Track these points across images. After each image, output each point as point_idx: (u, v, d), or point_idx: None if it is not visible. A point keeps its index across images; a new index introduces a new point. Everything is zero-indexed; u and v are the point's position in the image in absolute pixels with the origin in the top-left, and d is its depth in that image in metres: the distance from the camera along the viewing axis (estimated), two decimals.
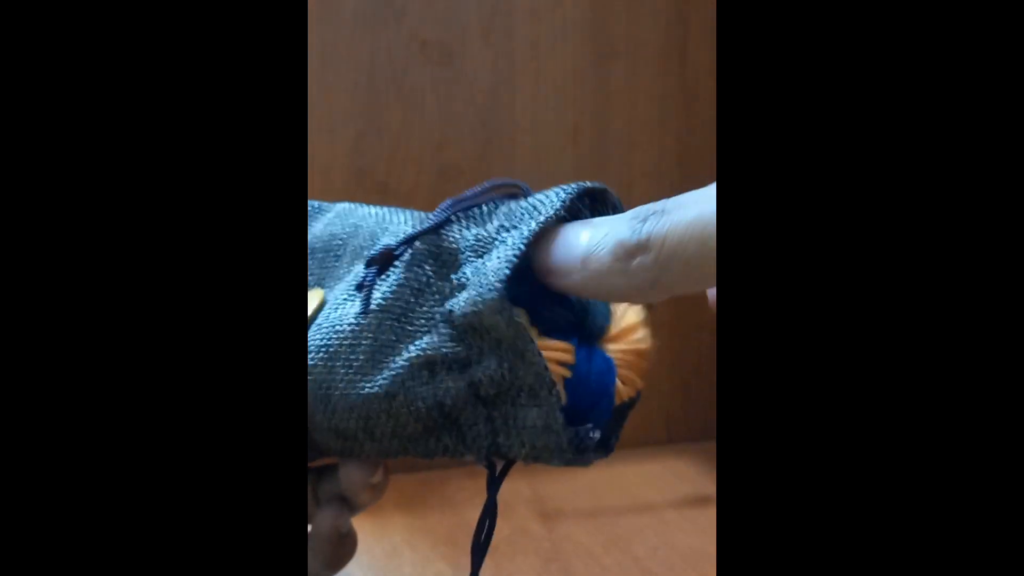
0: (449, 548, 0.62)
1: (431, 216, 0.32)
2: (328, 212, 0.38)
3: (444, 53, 0.74)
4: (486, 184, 0.32)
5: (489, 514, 0.34)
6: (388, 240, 0.33)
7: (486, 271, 0.29)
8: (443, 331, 0.30)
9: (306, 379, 0.32)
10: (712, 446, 0.80)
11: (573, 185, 0.31)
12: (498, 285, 0.28)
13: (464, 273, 0.30)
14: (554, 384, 0.29)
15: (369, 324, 0.31)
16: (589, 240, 0.28)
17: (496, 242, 0.30)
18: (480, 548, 0.35)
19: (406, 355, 0.30)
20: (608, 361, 0.31)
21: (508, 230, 0.30)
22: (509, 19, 0.76)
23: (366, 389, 0.31)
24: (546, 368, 0.29)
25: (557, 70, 0.78)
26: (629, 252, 0.27)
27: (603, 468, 0.78)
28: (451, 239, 0.31)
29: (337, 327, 0.32)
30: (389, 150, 0.74)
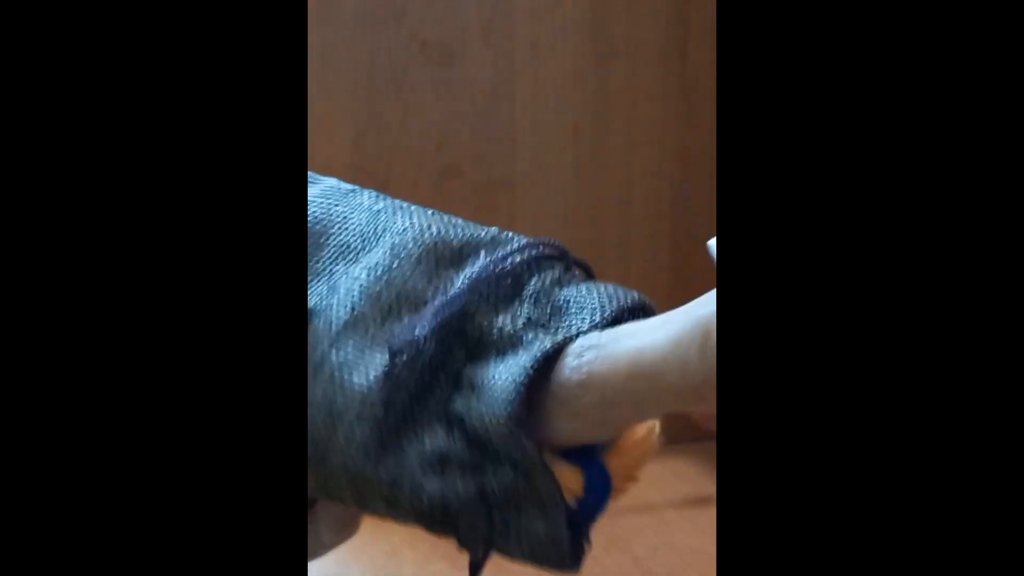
0: (449, 548, 0.62)
1: (461, 279, 0.30)
2: (314, 186, 0.35)
3: (444, 53, 0.75)
4: (526, 244, 0.30)
5: None
6: (411, 317, 0.30)
7: (498, 388, 0.28)
8: (457, 433, 0.29)
9: (306, 374, 0.31)
10: (712, 446, 0.80)
11: (615, 297, 0.29)
12: (506, 410, 0.27)
13: (482, 374, 0.29)
14: (564, 502, 0.29)
15: (380, 396, 0.29)
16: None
17: (520, 343, 0.29)
18: None
19: (418, 447, 0.29)
20: (607, 481, 0.30)
21: (535, 329, 0.29)
22: (509, 19, 0.76)
23: (368, 471, 0.30)
24: (557, 487, 0.28)
25: (557, 70, 0.78)
26: (573, 393, 0.27)
27: None
28: (478, 321, 0.30)
29: (345, 386, 0.30)
30: (389, 150, 0.74)
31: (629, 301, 0.30)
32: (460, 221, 0.33)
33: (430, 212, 0.33)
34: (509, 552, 0.30)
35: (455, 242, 0.31)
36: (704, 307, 0.25)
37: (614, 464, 0.31)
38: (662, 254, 0.80)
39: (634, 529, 0.64)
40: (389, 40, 0.73)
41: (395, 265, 0.31)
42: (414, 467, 0.29)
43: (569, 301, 0.30)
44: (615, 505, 0.73)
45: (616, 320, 0.29)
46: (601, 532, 0.64)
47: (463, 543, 0.31)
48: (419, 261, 0.31)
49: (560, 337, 0.28)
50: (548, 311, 0.30)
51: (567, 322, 0.29)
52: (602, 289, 0.30)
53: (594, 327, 0.29)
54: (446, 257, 0.31)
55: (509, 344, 0.29)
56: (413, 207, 0.33)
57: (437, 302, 0.30)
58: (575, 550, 0.30)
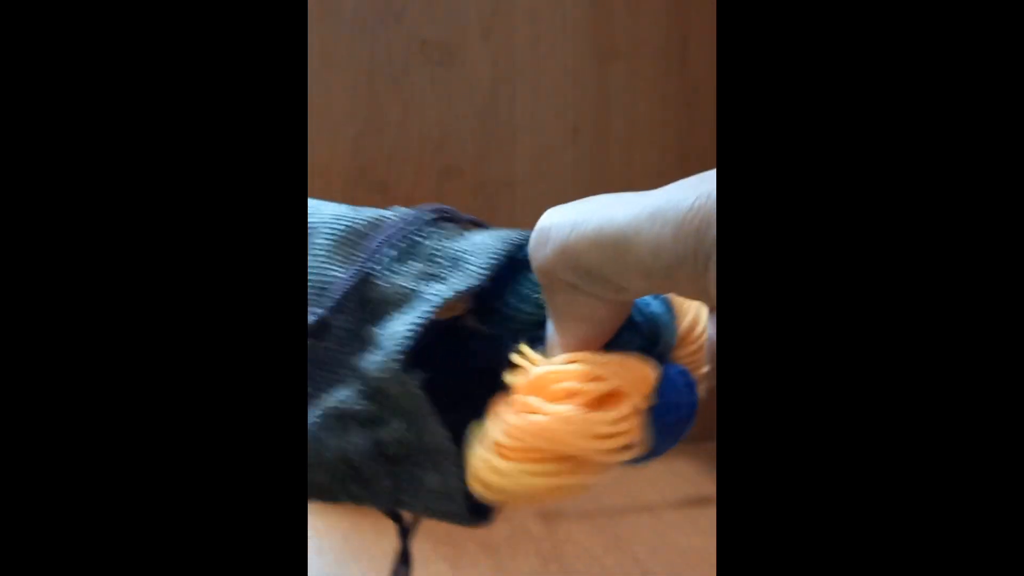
0: (449, 548, 0.62)
1: (358, 252, 0.32)
2: None
3: (444, 53, 0.74)
4: (414, 212, 0.32)
5: (403, 562, 0.35)
6: (322, 294, 0.32)
7: (393, 335, 0.29)
8: (360, 387, 0.30)
9: (306, 376, 0.31)
10: (712, 446, 0.80)
11: (502, 245, 0.31)
12: (398, 355, 0.28)
13: (379, 331, 0.30)
14: (456, 453, 0.29)
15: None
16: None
17: (413, 295, 0.30)
18: None
19: (323, 406, 0.31)
20: (686, 376, 0.30)
21: (427, 281, 0.30)
22: (509, 19, 0.76)
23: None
24: (447, 438, 0.29)
25: (557, 70, 0.78)
26: (551, 267, 0.27)
27: None
28: (379, 285, 0.31)
29: None
30: (389, 150, 0.74)
31: (520, 238, 0.31)
32: (369, 209, 0.34)
33: (340, 205, 0.34)
34: (414, 509, 0.31)
35: (362, 225, 0.33)
36: (685, 190, 0.25)
37: (680, 357, 0.31)
38: None
39: (634, 529, 0.64)
40: (389, 40, 0.73)
41: (312, 263, 0.34)
42: (319, 426, 0.30)
43: (465, 251, 0.31)
44: (615, 506, 0.73)
45: (510, 258, 0.30)
46: (601, 532, 0.64)
47: (374, 500, 0.31)
48: (333, 252, 0.33)
49: (454, 288, 0.29)
50: (444, 265, 0.31)
51: (461, 272, 0.30)
52: (488, 234, 0.31)
53: (485, 271, 0.29)
54: (353, 241, 0.33)
55: (405, 299, 0.30)
56: (322, 202, 0.36)
57: (343, 278, 0.32)
58: (476, 504, 0.30)
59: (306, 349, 0.31)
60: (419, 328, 0.29)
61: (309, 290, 0.32)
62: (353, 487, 0.31)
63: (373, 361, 0.29)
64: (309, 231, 0.34)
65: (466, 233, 0.32)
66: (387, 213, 0.33)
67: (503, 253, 0.30)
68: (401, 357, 0.28)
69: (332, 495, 0.32)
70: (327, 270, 0.32)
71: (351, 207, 0.34)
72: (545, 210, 0.29)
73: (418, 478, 0.30)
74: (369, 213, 0.34)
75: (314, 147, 0.72)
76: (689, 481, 0.74)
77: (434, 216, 0.32)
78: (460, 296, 0.29)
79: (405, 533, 0.34)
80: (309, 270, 0.33)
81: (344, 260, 0.33)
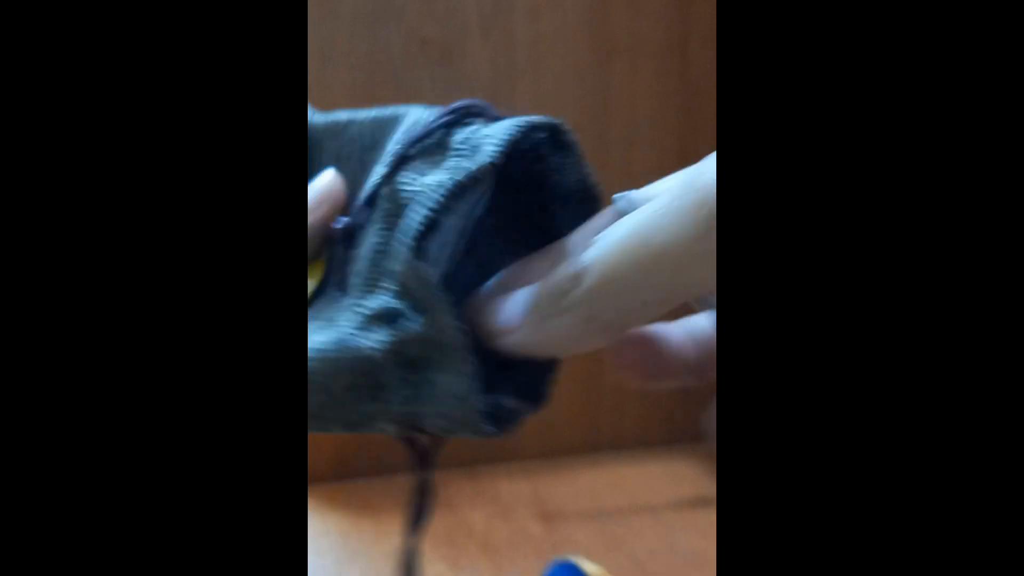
0: (449, 548, 0.62)
1: (390, 151, 0.31)
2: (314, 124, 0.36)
3: (444, 52, 0.74)
4: (442, 110, 0.31)
5: (422, 494, 0.33)
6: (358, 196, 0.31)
7: (408, 226, 0.28)
8: (391, 287, 0.29)
9: (306, 369, 0.31)
10: (712, 446, 0.80)
11: (516, 122, 0.29)
12: (410, 243, 0.27)
13: (403, 220, 0.29)
14: (468, 348, 0.27)
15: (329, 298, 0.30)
16: (534, 291, 0.27)
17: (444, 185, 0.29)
18: (413, 531, 0.34)
19: (360, 311, 0.30)
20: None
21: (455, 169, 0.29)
22: (509, 18, 0.76)
23: (316, 343, 0.30)
24: (460, 330, 0.27)
25: (557, 69, 0.78)
26: (563, 288, 0.26)
27: (603, 469, 0.78)
28: (405, 189, 0.30)
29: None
30: None
31: (539, 120, 0.30)
32: (389, 108, 0.34)
33: (357, 111, 0.34)
34: (428, 422, 0.29)
35: (385, 121, 0.33)
36: (699, 176, 0.24)
37: None
38: None
39: (634, 530, 0.64)
40: (389, 39, 0.73)
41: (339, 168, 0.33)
42: (351, 329, 0.29)
43: (485, 135, 0.30)
44: (615, 506, 0.73)
45: (526, 137, 0.29)
46: (601, 532, 0.64)
47: (390, 414, 0.30)
48: (369, 146, 0.33)
49: (475, 165, 0.28)
50: (465, 152, 0.30)
51: (479, 154, 0.29)
52: (513, 120, 0.30)
53: (501, 147, 0.29)
54: (376, 143, 0.33)
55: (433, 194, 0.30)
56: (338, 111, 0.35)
57: (373, 173, 0.31)
58: (499, 410, 0.29)
59: (305, 342, 0.31)
60: (431, 214, 0.28)
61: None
62: (366, 403, 0.30)
63: (394, 248, 0.29)
64: (333, 134, 0.33)
65: (491, 124, 0.31)
66: (412, 111, 0.32)
67: (522, 128, 0.29)
68: (413, 244, 0.27)
69: (347, 416, 0.30)
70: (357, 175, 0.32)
71: (368, 110, 0.34)
72: None
73: (432, 382, 0.28)
74: (390, 112, 0.33)
75: None
76: (689, 482, 0.74)
77: (460, 114, 0.31)
78: (472, 176, 0.28)
79: (424, 460, 0.32)
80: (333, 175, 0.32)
81: (367, 163, 0.32)
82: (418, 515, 0.33)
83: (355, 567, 0.62)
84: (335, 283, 0.32)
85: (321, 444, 0.71)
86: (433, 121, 0.30)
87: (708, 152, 0.24)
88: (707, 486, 0.73)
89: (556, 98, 0.78)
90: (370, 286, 0.30)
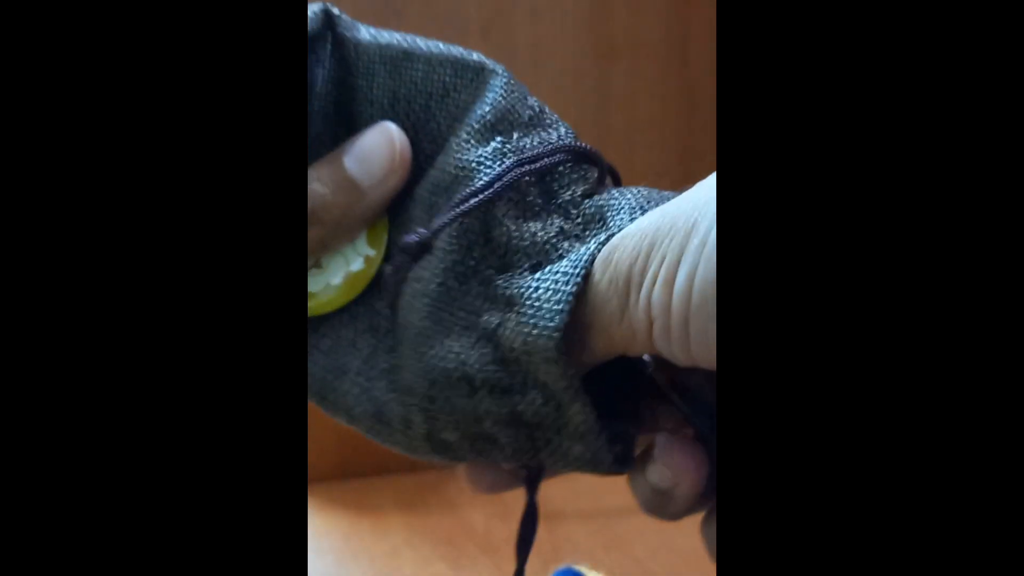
0: (449, 548, 0.62)
1: (483, 172, 0.27)
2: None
3: None
4: (554, 145, 0.28)
5: (530, 516, 0.33)
6: (435, 215, 0.28)
7: (540, 300, 0.25)
8: (485, 349, 0.26)
9: (306, 373, 0.31)
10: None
11: (650, 197, 0.27)
12: (553, 331, 0.25)
13: (515, 284, 0.26)
14: (601, 430, 0.26)
15: (402, 320, 0.28)
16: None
17: (556, 251, 0.27)
18: (523, 547, 0.33)
19: (444, 356, 0.27)
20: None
21: (571, 240, 0.27)
22: (509, 19, 0.76)
23: (406, 377, 0.28)
24: (595, 417, 0.26)
25: (557, 70, 0.78)
26: (606, 296, 0.25)
27: None
28: (504, 226, 0.27)
29: (357, 319, 0.29)
30: None
31: (662, 197, 0.28)
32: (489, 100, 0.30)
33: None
34: (556, 468, 0.28)
35: (490, 122, 0.29)
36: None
37: None
38: None
39: (634, 530, 0.64)
40: None
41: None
42: (443, 383, 0.27)
43: (602, 207, 0.28)
44: (615, 506, 0.73)
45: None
46: (601, 533, 0.64)
47: (509, 459, 0.28)
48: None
49: (598, 241, 0.26)
50: (580, 221, 0.27)
51: (603, 227, 0.27)
52: (635, 191, 0.28)
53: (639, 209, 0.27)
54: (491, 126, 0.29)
55: (543, 253, 0.27)
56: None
57: (457, 195, 0.27)
58: (623, 454, 0.28)
59: (305, 343, 0.31)
60: (573, 299, 0.25)
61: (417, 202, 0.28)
62: (483, 445, 0.28)
63: (512, 326, 0.26)
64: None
65: (608, 187, 0.29)
66: (496, 76, 0.28)
67: (646, 210, 0.27)
68: (558, 335, 0.25)
69: (458, 455, 0.29)
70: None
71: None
72: None
73: (559, 445, 0.27)
74: (459, 55, 0.29)
75: None
76: None
77: (572, 157, 0.28)
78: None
79: (533, 485, 0.31)
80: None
81: (438, 119, 0.29)
82: (526, 538, 0.32)
83: (355, 567, 0.62)
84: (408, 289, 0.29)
85: (321, 444, 0.71)
86: (536, 164, 0.27)
87: (708, 152, 0.24)
88: None
89: (556, 99, 0.77)
90: (446, 318, 0.27)
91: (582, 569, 0.43)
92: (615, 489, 0.73)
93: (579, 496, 0.70)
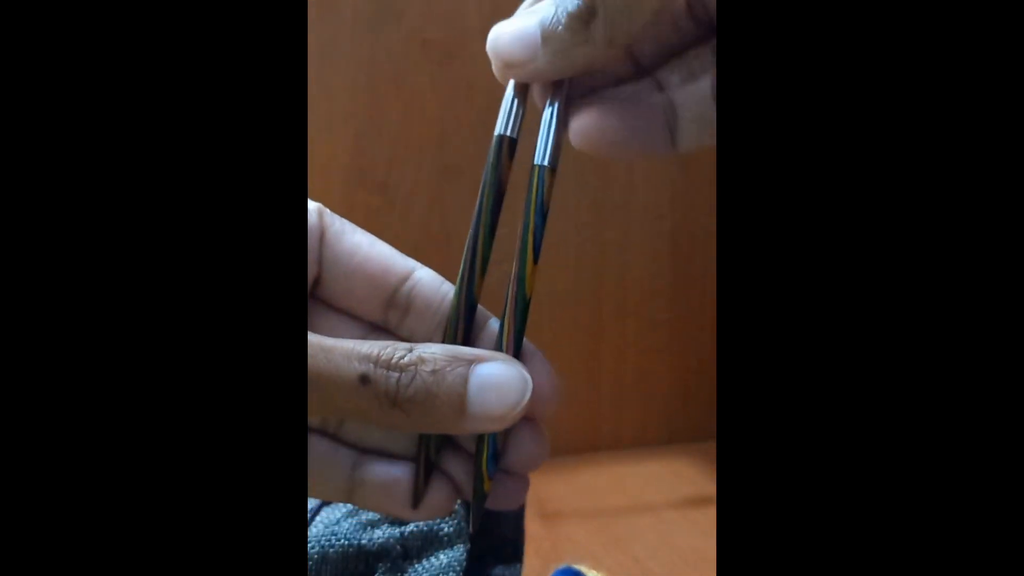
0: None
1: None
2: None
3: (445, 53, 0.74)
4: None
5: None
6: None
7: None
8: None
9: (306, 377, 0.31)
10: (712, 446, 0.80)
11: None
12: None
13: None
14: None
15: None
16: (543, 23, 0.30)
17: None
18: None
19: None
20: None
21: None
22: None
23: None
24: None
25: None
26: (583, 20, 0.28)
27: (603, 468, 0.78)
28: None
29: None
30: (389, 150, 0.74)
31: None
32: (379, 522, 0.35)
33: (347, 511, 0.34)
34: None
35: (366, 550, 0.34)
36: None
37: None
38: (662, 255, 0.80)
39: (634, 529, 0.64)
40: (389, 40, 0.73)
41: None
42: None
43: None
44: (615, 506, 0.73)
45: None
46: (601, 532, 0.64)
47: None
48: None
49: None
50: None
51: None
52: None
53: None
54: (350, 569, 0.34)
55: None
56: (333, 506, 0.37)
57: None
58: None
59: (305, 342, 0.31)
60: None
61: None
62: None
63: None
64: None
65: None
66: (393, 544, 0.34)
67: None
68: None
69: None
70: None
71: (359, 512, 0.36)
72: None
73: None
74: (377, 533, 0.36)
75: (314, 147, 0.72)
76: (689, 481, 0.74)
77: None
78: None
79: None
80: None
81: None
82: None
83: None
84: None
85: None
86: None
87: (707, 152, 0.24)
88: (707, 486, 0.73)
89: None
90: None
91: (582, 569, 0.44)
92: (615, 489, 0.73)
93: (579, 496, 0.70)
